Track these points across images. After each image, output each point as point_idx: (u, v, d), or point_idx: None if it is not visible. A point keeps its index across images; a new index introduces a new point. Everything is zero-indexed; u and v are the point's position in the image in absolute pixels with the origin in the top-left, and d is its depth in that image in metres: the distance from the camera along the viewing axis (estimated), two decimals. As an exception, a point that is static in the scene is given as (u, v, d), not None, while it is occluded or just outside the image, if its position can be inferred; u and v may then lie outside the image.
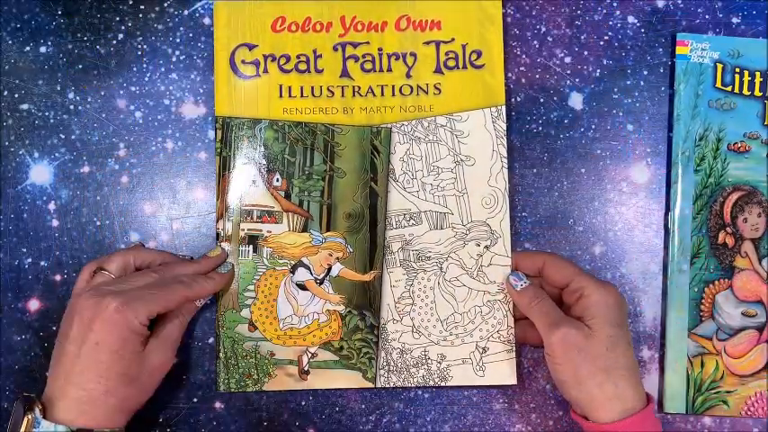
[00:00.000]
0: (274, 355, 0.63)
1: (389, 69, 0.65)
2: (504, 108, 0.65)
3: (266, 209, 0.64)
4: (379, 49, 0.65)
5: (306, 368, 0.64)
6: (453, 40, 0.65)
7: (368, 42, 0.65)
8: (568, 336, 0.56)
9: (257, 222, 0.64)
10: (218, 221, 0.64)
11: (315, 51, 0.65)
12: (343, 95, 0.65)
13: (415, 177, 0.64)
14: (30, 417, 0.52)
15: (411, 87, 0.65)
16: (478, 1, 0.65)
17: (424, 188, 0.64)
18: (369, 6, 0.65)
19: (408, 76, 0.65)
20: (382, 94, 0.65)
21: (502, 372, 0.64)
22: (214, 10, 0.65)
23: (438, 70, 0.65)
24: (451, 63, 0.65)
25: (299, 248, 0.64)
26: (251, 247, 0.64)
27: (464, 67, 0.65)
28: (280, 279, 0.64)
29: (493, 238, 0.64)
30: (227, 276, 0.62)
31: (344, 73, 0.65)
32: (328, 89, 0.65)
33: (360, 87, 0.65)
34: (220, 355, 0.63)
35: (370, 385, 0.64)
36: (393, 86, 0.65)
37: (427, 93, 0.65)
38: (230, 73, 0.64)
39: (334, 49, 0.65)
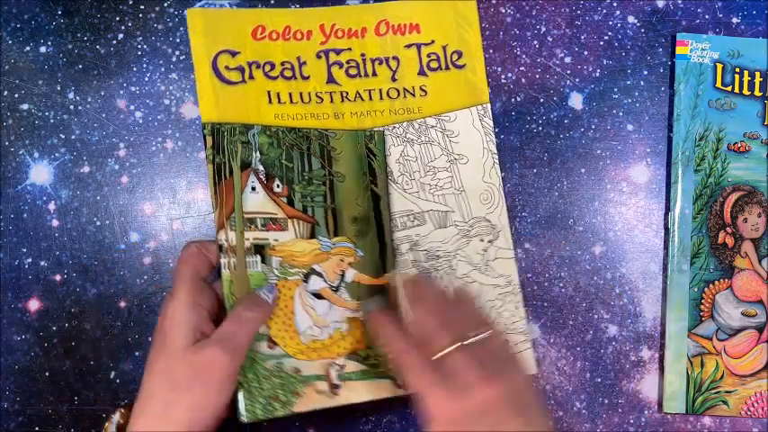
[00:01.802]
0: (300, 371, 0.58)
1: (375, 74, 0.65)
2: (489, 105, 0.65)
3: (270, 216, 0.60)
4: (362, 55, 0.65)
5: (336, 382, 0.59)
6: (433, 42, 0.65)
7: (350, 49, 0.65)
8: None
9: (262, 231, 0.60)
10: (218, 232, 0.58)
11: (299, 59, 0.64)
12: (332, 101, 0.64)
13: (413, 178, 0.64)
14: None
15: (398, 90, 0.65)
16: (453, 2, 0.65)
17: (423, 188, 0.64)
18: (347, 13, 0.65)
19: (394, 79, 0.65)
20: (370, 98, 0.65)
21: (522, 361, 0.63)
22: (187, 18, 0.63)
23: (422, 72, 0.65)
24: (434, 64, 0.65)
25: (308, 256, 0.61)
26: (258, 257, 0.59)
27: (446, 67, 0.65)
28: (293, 290, 0.60)
29: (494, 233, 0.64)
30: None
31: (331, 79, 0.64)
32: (317, 95, 0.64)
33: (348, 93, 0.64)
34: (239, 378, 0.56)
35: (403, 392, 0.59)
36: (380, 90, 0.65)
37: (414, 95, 0.65)
38: (214, 79, 0.63)
39: (318, 56, 0.64)
